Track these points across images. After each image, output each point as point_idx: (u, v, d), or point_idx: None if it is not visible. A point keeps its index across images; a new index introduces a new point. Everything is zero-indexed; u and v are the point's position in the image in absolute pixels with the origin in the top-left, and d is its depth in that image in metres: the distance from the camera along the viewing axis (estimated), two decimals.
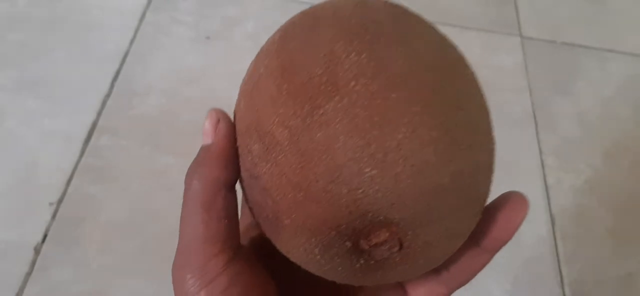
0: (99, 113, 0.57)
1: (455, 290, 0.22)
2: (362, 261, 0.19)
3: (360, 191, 0.17)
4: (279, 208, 0.18)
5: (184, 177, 0.20)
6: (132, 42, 0.63)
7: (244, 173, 0.20)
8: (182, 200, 0.20)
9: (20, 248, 0.49)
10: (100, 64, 0.60)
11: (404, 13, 0.20)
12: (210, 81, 0.61)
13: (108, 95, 0.58)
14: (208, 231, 0.19)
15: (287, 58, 0.19)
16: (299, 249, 0.19)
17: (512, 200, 0.20)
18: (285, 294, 0.21)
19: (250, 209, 0.20)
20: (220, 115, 0.20)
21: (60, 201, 0.52)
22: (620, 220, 0.59)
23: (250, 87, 0.19)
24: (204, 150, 0.20)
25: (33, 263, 0.48)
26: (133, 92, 0.59)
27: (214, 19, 0.67)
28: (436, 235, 0.18)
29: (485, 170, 0.19)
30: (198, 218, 0.19)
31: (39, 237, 0.50)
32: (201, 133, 0.20)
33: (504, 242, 0.21)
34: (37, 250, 0.49)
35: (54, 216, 0.51)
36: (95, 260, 0.49)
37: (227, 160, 0.20)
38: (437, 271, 0.22)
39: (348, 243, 0.18)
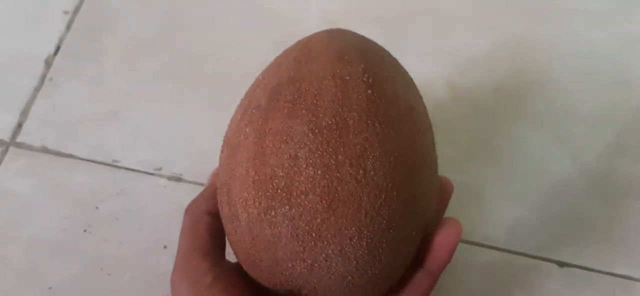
0: None
1: None
2: None
3: (291, 277, 0.23)
4: (236, 249, 0.25)
5: None
6: None
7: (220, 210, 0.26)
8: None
9: (30, 59, 0.43)
10: None
11: (374, 99, 0.23)
12: None
13: None
14: (193, 245, 0.26)
15: (262, 142, 0.23)
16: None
17: (446, 226, 0.25)
18: None
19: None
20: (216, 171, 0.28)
21: (76, 10, 0.44)
22: None
23: (232, 147, 0.25)
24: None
25: (43, 77, 0.42)
26: None
27: None
28: None
29: (392, 279, 0.25)
30: (186, 236, 0.26)
31: (51, 49, 0.43)
32: None
33: (443, 263, 0.25)
34: (48, 63, 0.42)
35: (68, 26, 0.44)
36: (112, 78, 0.42)
37: (210, 197, 0.27)
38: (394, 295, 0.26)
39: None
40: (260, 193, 0.22)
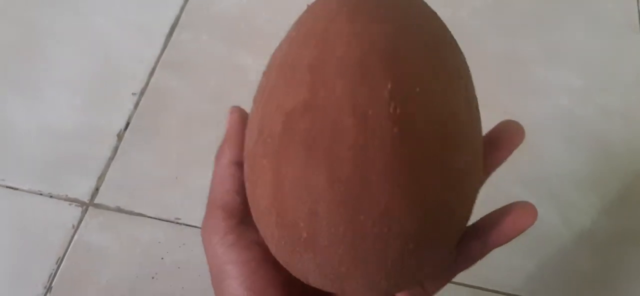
0: (182, 9, 0.58)
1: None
2: None
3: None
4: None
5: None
6: None
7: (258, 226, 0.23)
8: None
9: (104, 133, 0.51)
10: None
11: (399, 141, 0.19)
12: None
13: None
14: (220, 201, 0.24)
15: (279, 191, 0.20)
16: None
17: (520, 209, 0.24)
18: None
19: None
20: (234, 108, 0.26)
21: (142, 92, 0.53)
22: None
23: (251, 167, 0.22)
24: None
25: (116, 148, 0.50)
26: None
27: None
28: None
29: None
30: (214, 188, 0.25)
31: (122, 124, 0.52)
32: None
33: (508, 240, 0.25)
34: (120, 137, 0.51)
35: (136, 106, 0.53)
36: (174, 148, 0.50)
37: (234, 144, 0.25)
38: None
39: None
40: (284, 236, 0.21)
